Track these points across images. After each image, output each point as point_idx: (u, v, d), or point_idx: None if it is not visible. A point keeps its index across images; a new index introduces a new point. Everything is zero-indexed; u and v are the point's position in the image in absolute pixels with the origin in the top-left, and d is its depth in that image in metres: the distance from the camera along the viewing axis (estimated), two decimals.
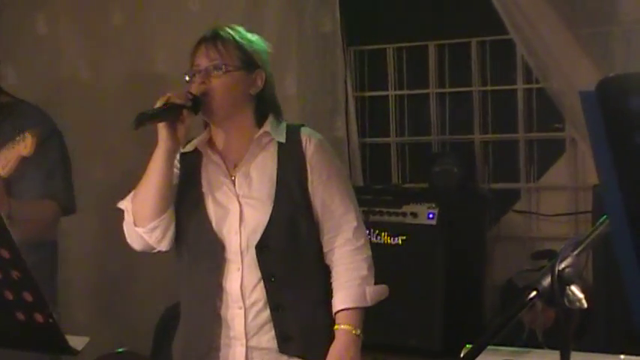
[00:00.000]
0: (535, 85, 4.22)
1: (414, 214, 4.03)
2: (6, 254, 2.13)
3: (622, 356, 1.88)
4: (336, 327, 2.67)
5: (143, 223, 2.71)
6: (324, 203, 2.71)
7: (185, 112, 2.64)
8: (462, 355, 1.81)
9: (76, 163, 4.29)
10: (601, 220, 1.69)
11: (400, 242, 4.00)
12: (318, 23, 4.35)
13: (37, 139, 2.70)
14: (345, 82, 4.46)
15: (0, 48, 4.49)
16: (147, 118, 2.61)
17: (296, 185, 2.71)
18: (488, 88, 4.42)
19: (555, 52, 3.76)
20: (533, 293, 1.69)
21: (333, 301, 2.69)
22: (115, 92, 4.42)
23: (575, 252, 1.70)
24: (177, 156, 2.76)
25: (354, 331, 2.66)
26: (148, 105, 4.36)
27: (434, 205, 4.04)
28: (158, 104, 2.64)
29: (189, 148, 2.78)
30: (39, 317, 2.16)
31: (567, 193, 4.27)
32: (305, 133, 2.77)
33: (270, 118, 2.76)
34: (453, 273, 3.99)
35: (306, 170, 2.72)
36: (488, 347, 1.81)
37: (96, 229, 4.23)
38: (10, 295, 2.17)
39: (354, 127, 4.50)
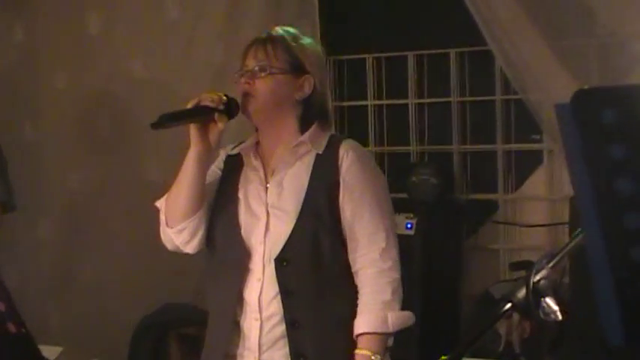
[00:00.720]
0: (513, 97, 4.23)
1: None
2: None
3: None
4: (356, 351, 2.57)
5: (172, 224, 2.68)
6: (352, 221, 2.61)
7: (217, 115, 2.59)
8: None
9: (51, 172, 4.29)
10: (576, 232, 1.70)
11: None
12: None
13: None
14: None
15: None
16: (166, 119, 2.55)
17: (325, 200, 2.61)
18: (467, 98, 4.44)
19: (533, 64, 3.78)
20: (508, 305, 1.69)
21: (355, 323, 2.59)
22: (92, 100, 4.40)
23: (550, 264, 1.70)
24: (223, 157, 2.75)
25: (372, 357, 2.56)
26: (124, 114, 4.38)
27: (412, 216, 4.04)
28: (188, 106, 2.60)
29: (236, 150, 2.75)
30: (12, 327, 2.14)
31: (545, 204, 4.29)
32: (345, 146, 2.66)
33: (314, 127, 2.68)
34: (431, 283, 4.00)
35: (338, 185, 2.61)
36: (464, 358, 1.81)
37: (71, 238, 4.20)
38: None
39: None
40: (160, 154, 4.37)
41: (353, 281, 2.63)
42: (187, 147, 4.14)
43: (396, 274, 2.62)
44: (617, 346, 1.53)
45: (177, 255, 4.25)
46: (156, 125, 2.54)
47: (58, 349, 2.26)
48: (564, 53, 3.70)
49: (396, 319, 2.60)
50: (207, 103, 2.59)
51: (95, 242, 4.26)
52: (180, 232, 2.69)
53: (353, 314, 2.60)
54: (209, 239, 2.71)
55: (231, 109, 2.63)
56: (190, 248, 2.72)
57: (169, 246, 2.74)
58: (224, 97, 2.62)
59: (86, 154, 4.29)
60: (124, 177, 4.34)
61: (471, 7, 3.83)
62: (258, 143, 2.73)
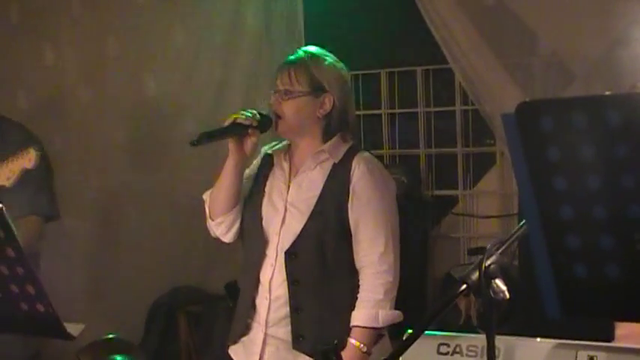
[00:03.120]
0: (471, 107, 4.24)
1: None
2: (12, 253, 2.11)
3: (538, 339, 1.89)
4: (349, 339, 2.57)
5: (213, 217, 2.71)
6: (357, 226, 2.58)
7: (250, 130, 2.59)
8: (403, 338, 1.81)
9: (76, 177, 4.28)
10: (521, 223, 1.70)
11: None
12: (285, 52, 4.32)
13: (40, 154, 2.57)
14: None
15: (12, 75, 4.45)
16: (205, 137, 2.56)
17: (334, 205, 2.59)
18: (432, 109, 4.44)
19: (487, 80, 3.79)
20: (464, 286, 1.69)
21: (351, 315, 2.58)
22: (112, 113, 4.39)
23: (500, 250, 1.71)
24: (262, 153, 2.76)
25: (360, 346, 2.55)
26: (138, 125, 4.36)
27: None
28: (226, 123, 2.60)
29: (271, 151, 2.75)
30: (40, 307, 2.13)
31: (498, 198, 4.30)
32: (358, 158, 2.62)
33: (336, 138, 2.65)
34: (400, 267, 3.98)
35: (348, 193, 2.58)
36: (427, 332, 1.80)
37: (94, 229, 4.20)
38: (15, 289, 2.14)
39: None
40: (169, 160, 4.36)
41: (354, 276, 2.61)
42: (193, 155, 4.18)
43: (390, 277, 2.61)
44: (555, 319, 1.53)
45: (183, 247, 4.27)
46: (196, 143, 2.53)
47: (81, 326, 2.23)
48: (513, 70, 3.71)
49: (386, 316, 2.59)
50: (241, 120, 2.60)
51: (114, 234, 4.25)
52: (219, 224, 2.71)
53: (351, 305, 2.59)
54: (241, 227, 2.73)
55: (263, 124, 2.62)
56: (227, 238, 2.74)
57: (212, 234, 2.76)
58: (257, 115, 2.61)
59: (107, 160, 4.28)
60: (138, 180, 4.33)
61: (434, 32, 3.84)
62: (290, 146, 2.73)
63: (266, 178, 2.72)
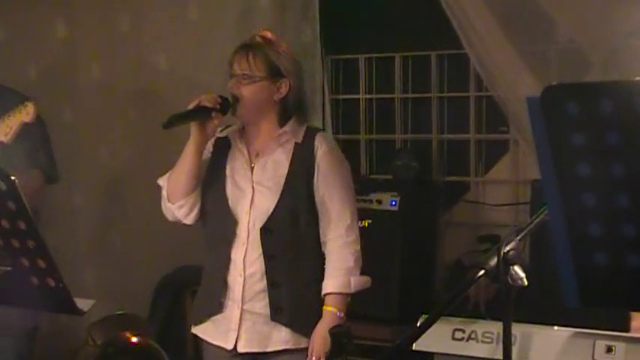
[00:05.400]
0: (485, 93, 4.20)
1: (379, 201, 4.02)
2: (23, 226, 2.10)
3: (555, 327, 1.87)
4: (324, 307, 2.70)
5: (173, 200, 2.77)
6: (323, 200, 2.72)
7: (214, 113, 2.68)
8: (418, 323, 1.80)
9: (86, 150, 4.26)
10: (541, 210, 1.69)
11: (366, 225, 3.97)
12: (300, 34, 4.31)
13: (38, 108, 2.54)
14: (323, 86, 4.43)
15: (23, 46, 4.43)
16: (175, 120, 2.64)
17: (302, 181, 2.72)
18: (445, 94, 4.41)
19: (502, 66, 3.76)
20: (481, 272, 1.68)
21: (323, 284, 2.71)
22: (123, 89, 4.37)
23: (518, 237, 1.70)
24: (212, 140, 2.81)
25: (337, 313, 2.69)
26: (149, 101, 4.34)
27: (396, 194, 4.02)
28: (190, 106, 2.68)
29: (224, 134, 2.81)
30: (51, 282, 2.13)
31: (509, 186, 4.27)
32: (320, 137, 2.78)
33: (293, 120, 2.77)
34: (410, 252, 3.98)
35: (313, 170, 2.72)
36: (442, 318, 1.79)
37: (103, 206, 4.19)
38: (26, 262, 2.13)
39: (329, 125, 4.47)
40: (178, 138, 4.34)
41: (321, 249, 2.74)
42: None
43: (357, 246, 2.73)
44: (574, 307, 1.52)
45: (191, 225, 4.26)
46: (167, 125, 2.62)
47: (91, 302, 2.24)
48: (529, 57, 3.68)
49: (357, 282, 2.72)
50: (206, 104, 2.68)
51: (122, 212, 4.25)
52: (180, 207, 2.77)
53: (320, 276, 2.71)
54: (202, 210, 2.79)
55: (225, 107, 2.71)
56: (188, 220, 2.80)
57: (170, 218, 2.82)
58: (219, 98, 2.69)
59: (116, 135, 4.27)
60: (147, 155, 4.33)
61: (451, 17, 3.80)
62: (243, 129, 2.81)
63: (224, 161, 2.79)
